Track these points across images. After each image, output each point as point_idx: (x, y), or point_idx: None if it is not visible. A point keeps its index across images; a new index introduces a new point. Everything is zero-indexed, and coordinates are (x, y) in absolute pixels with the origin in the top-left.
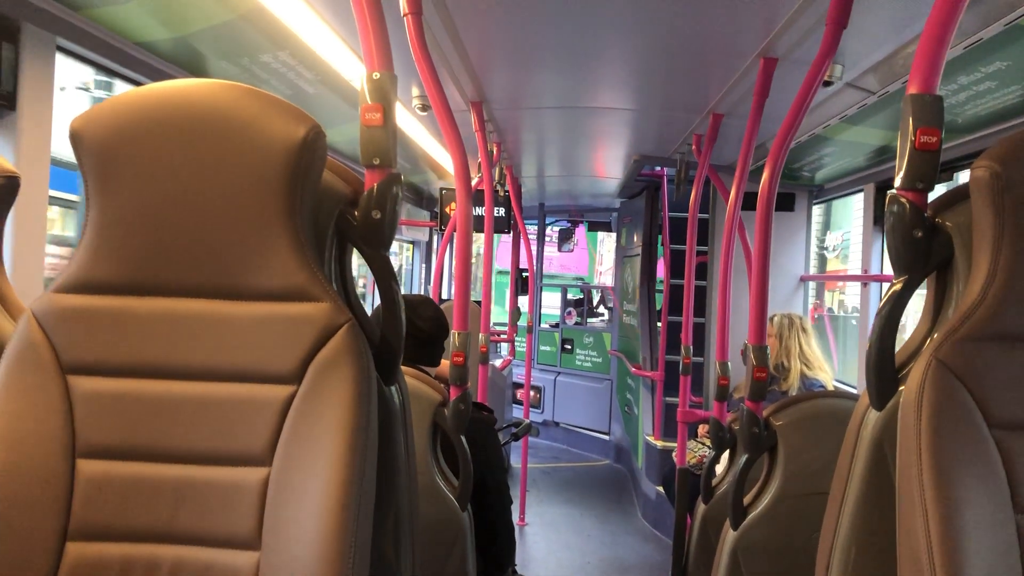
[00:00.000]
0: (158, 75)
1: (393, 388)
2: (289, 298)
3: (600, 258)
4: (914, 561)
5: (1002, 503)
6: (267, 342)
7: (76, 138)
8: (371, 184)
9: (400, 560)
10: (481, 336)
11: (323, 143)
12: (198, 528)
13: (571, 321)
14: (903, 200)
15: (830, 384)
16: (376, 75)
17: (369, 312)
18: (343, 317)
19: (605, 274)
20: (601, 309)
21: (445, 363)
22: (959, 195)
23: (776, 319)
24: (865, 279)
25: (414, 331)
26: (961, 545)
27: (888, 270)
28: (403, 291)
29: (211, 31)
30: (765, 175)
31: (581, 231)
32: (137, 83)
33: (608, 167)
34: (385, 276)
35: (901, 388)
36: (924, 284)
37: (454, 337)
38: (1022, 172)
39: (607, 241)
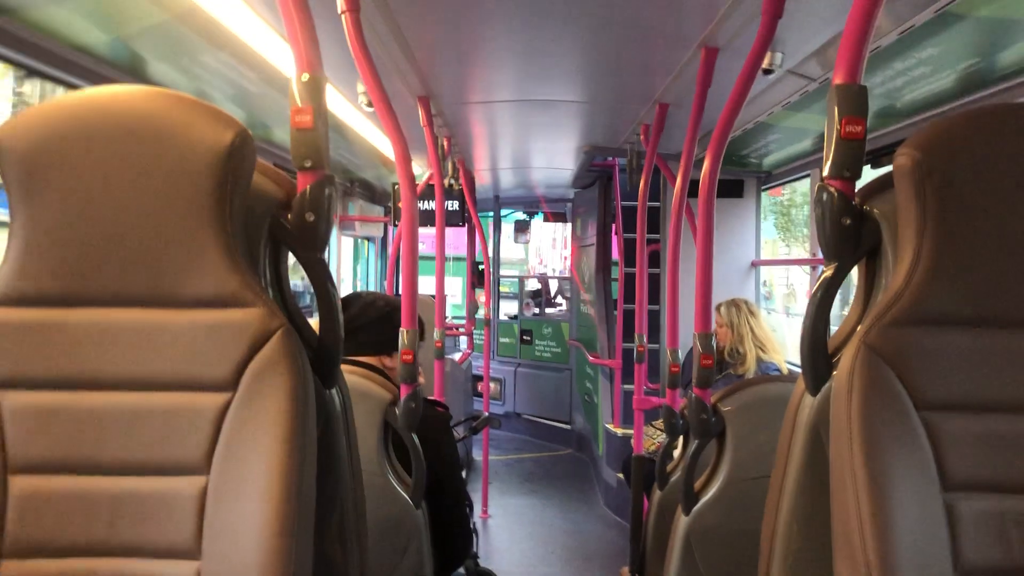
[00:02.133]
0: (96, 79)
1: (334, 391)
2: (221, 304)
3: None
4: (847, 539)
5: (930, 481)
6: (201, 349)
7: None
8: (303, 186)
9: (348, 561)
10: (436, 331)
11: (251, 147)
12: (136, 540)
13: (529, 312)
14: (831, 189)
15: (784, 366)
16: (305, 76)
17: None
18: (276, 322)
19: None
20: (559, 299)
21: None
22: (886, 183)
23: (723, 308)
24: (813, 263)
25: None
26: (891, 522)
27: None
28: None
29: (147, 32)
30: (706, 164)
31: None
32: (75, 87)
33: (560, 158)
34: (321, 278)
35: (835, 373)
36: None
37: (402, 335)
38: (943, 159)
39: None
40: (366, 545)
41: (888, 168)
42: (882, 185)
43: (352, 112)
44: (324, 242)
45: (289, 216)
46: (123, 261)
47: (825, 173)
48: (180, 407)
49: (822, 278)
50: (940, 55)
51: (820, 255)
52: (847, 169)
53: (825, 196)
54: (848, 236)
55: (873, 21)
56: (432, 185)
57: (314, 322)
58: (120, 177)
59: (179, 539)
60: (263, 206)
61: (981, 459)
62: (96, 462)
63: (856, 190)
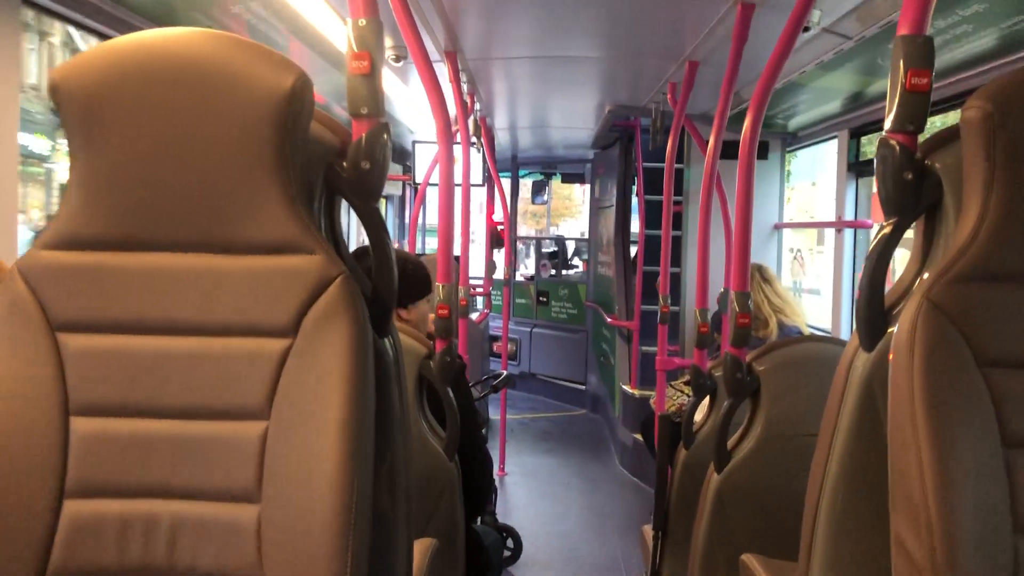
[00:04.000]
0: (127, 28)
1: (386, 341)
2: (281, 251)
3: None
4: (906, 495)
5: (991, 437)
6: (260, 296)
7: (56, 90)
8: (359, 134)
9: (396, 513)
10: (461, 289)
11: (311, 92)
12: (197, 483)
13: (546, 274)
14: (893, 142)
15: (805, 329)
16: (362, 22)
17: None
18: (336, 269)
19: None
20: (576, 261)
21: (430, 316)
22: (950, 136)
23: None
24: (838, 226)
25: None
26: (953, 479)
27: (862, 216)
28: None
29: None
30: (747, 123)
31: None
32: (104, 36)
33: (581, 118)
34: (376, 228)
35: (891, 330)
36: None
37: (439, 290)
38: (1014, 111)
39: None
40: (412, 496)
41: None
42: (945, 139)
43: None
44: (379, 191)
45: (344, 164)
46: (182, 206)
47: (887, 126)
48: (239, 352)
49: (880, 234)
50: (985, 12)
51: (846, 217)
52: (911, 122)
53: (887, 150)
54: (909, 191)
55: None
56: (455, 143)
57: None
58: (179, 120)
59: (240, 483)
60: (319, 154)
61: None
62: (156, 406)
63: (918, 144)
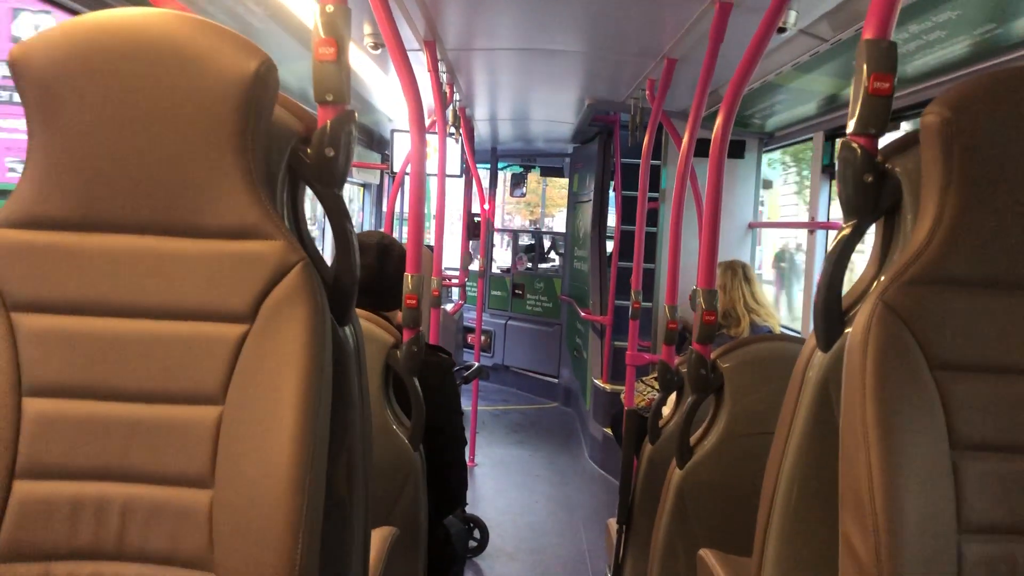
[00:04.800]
0: (99, 5)
1: (347, 329)
2: (241, 236)
3: None
4: (855, 494)
5: (939, 440)
6: (219, 280)
7: (16, 67)
8: (324, 121)
9: (353, 500)
10: (434, 280)
11: (275, 77)
12: (150, 467)
13: (522, 267)
14: (854, 145)
15: (777, 329)
16: (330, 8)
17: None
18: (296, 256)
19: None
20: (552, 255)
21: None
22: (909, 141)
23: (719, 271)
24: (812, 226)
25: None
26: (900, 479)
27: (835, 217)
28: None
29: None
30: (719, 121)
31: None
32: (74, 12)
33: (561, 111)
34: (338, 215)
35: (847, 330)
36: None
37: (407, 280)
38: (972, 118)
39: None
40: (372, 484)
41: (894, 131)
42: (905, 143)
43: (355, 53)
44: (343, 178)
45: (308, 150)
46: (142, 188)
47: (850, 129)
48: (197, 336)
49: (840, 236)
50: (958, 19)
51: (819, 218)
52: (872, 126)
53: (848, 152)
54: (869, 193)
55: None
56: (432, 133)
57: None
58: (141, 102)
59: (193, 467)
60: (283, 139)
61: (990, 420)
62: (111, 388)
63: (879, 148)
